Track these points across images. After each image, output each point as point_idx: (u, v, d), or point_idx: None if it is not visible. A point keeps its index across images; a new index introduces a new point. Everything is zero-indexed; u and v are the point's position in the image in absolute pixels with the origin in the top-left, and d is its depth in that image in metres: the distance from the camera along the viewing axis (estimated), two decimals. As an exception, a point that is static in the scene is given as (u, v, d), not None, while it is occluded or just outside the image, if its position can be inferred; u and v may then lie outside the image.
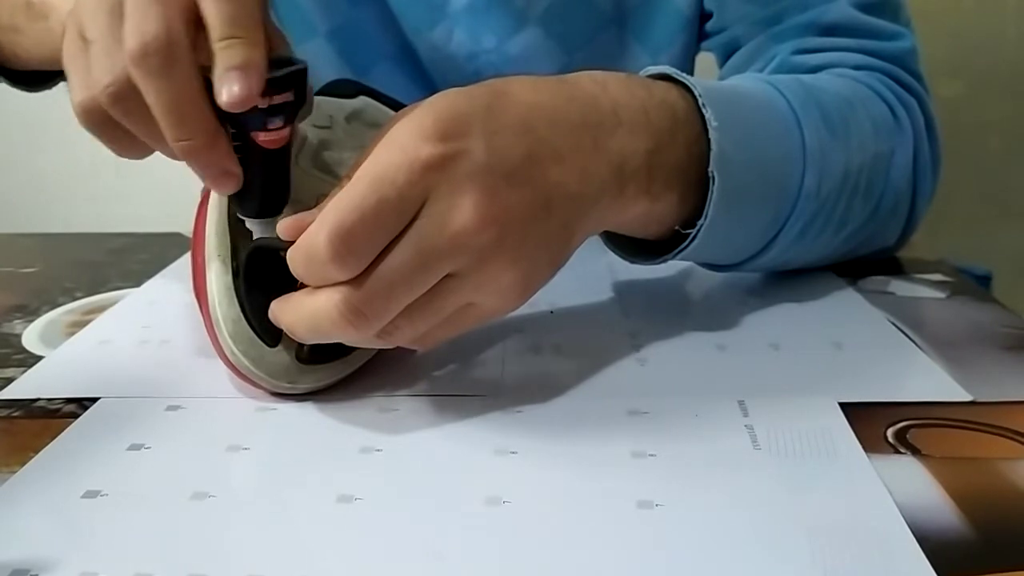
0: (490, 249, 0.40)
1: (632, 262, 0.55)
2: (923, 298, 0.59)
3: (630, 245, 0.54)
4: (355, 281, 0.39)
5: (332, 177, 0.50)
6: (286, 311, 0.42)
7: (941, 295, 0.60)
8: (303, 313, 0.41)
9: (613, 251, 0.55)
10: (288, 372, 0.45)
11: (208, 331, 0.46)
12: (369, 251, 0.39)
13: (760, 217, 0.53)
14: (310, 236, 0.39)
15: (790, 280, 0.61)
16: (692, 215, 0.50)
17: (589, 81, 0.47)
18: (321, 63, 0.77)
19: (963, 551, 0.34)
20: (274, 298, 0.45)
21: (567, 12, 0.72)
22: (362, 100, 0.56)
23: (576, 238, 0.45)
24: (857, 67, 0.64)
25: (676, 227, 0.50)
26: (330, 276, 0.39)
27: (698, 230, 0.49)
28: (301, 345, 0.45)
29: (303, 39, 0.79)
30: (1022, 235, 1.39)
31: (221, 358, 0.46)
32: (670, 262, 0.53)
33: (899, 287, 0.61)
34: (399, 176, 0.39)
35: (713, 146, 0.48)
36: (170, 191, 0.93)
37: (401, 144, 0.40)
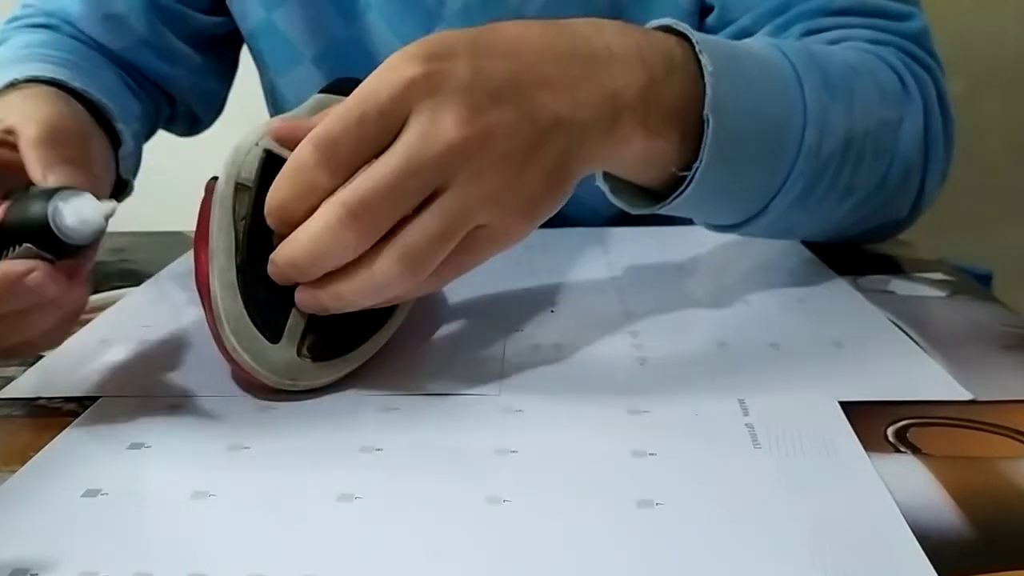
0: (478, 161, 0.41)
1: (633, 209, 0.54)
2: (924, 297, 0.59)
3: (632, 194, 0.54)
4: (349, 189, 0.41)
5: None
6: (284, 246, 0.43)
7: (942, 294, 0.60)
8: (302, 235, 0.42)
9: (615, 200, 0.55)
10: (290, 369, 0.45)
11: (210, 326, 0.46)
12: (353, 158, 0.41)
13: (759, 170, 0.53)
14: (298, 151, 0.42)
15: (791, 278, 0.61)
16: (692, 162, 0.49)
17: (584, 23, 0.47)
18: (308, 88, 0.77)
19: (963, 550, 0.34)
20: (276, 294, 0.45)
21: (563, 9, 0.72)
22: None
23: (574, 167, 0.45)
24: (869, 41, 0.64)
25: (674, 169, 0.50)
26: (318, 182, 0.42)
27: (694, 172, 0.49)
28: (303, 341, 0.46)
29: (289, 67, 0.79)
30: (1023, 234, 1.39)
31: (223, 354, 0.46)
32: (674, 245, 0.53)
33: (899, 286, 0.61)
34: (383, 91, 0.41)
35: (708, 90, 0.48)
36: (170, 190, 0.92)
37: (388, 66, 0.42)
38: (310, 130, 0.42)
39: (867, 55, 0.61)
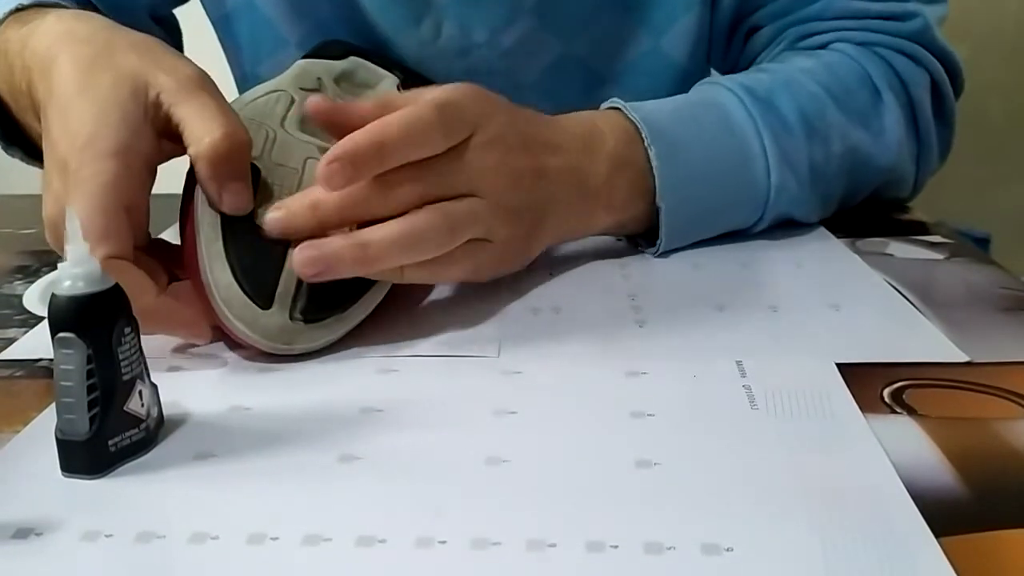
0: (502, 172, 0.50)
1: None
2: (922, 260, 0.59)
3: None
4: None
5: (319, 140, 0.50)
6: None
7: (940, 257, 0.60)
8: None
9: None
10: (283, 333, 0.45)
11: (201, 298, 0.46)
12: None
13: (731, 215, 0.60)
14: (416, 107, 0.47)
15: (789, 242, 0.61)
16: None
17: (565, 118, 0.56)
18: None
19: (958, 510, 0.34)
20: (264, 261, 0.45)
21: None
22: (352, 61, 0.55)
23: (548, 223, 0.53)
24: (859, 44, 0.67)
25: (641, 246, 0.59)
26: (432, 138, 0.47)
27: (659, 245, 0.58)
28: (294, 305, 0.46)
29: (273, 51, 0.76)
30: (1021, 198, 1.39)
31: (216, 324, 0.46)
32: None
33: (897, 248, 0.61)
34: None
35: (656, 181, 0.56)
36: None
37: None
38: (349, 114, 0.47)
39: (846, 65, 0.65)
